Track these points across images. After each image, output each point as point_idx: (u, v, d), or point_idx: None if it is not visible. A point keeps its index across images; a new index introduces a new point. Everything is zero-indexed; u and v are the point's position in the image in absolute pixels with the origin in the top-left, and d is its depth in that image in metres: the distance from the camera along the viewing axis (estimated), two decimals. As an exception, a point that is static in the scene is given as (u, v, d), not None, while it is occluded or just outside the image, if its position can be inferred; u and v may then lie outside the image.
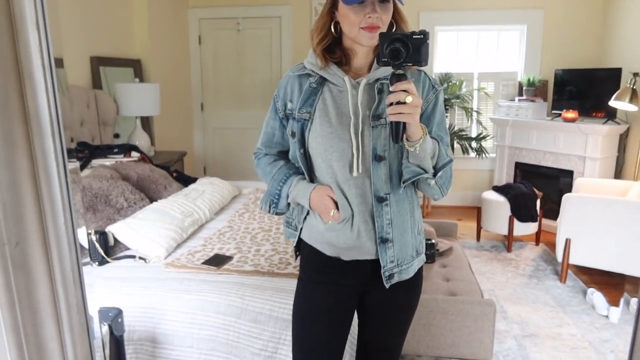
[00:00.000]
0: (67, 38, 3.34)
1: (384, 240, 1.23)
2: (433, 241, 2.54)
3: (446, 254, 2.65)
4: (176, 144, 4.77)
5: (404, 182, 1.20)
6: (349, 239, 1.24)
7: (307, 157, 1.28)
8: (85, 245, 2.01)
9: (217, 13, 5.12)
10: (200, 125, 5.39)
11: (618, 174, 4.27)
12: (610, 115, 4.08)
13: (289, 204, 1.33)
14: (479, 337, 1.95)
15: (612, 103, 3.77)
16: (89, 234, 2.00)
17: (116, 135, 3.90)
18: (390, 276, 1.26)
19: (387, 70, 1.17)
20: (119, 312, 1.44)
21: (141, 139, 3.85)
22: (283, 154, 1.39)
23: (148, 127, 4.28)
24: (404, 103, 1.05)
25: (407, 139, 1.12)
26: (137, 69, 4.27)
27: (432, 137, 1.19)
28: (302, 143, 1.26)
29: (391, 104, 1.06)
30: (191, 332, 1.69)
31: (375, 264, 1.26)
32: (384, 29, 1.17)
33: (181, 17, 5.04)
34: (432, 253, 2.52)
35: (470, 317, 1.94)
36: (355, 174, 1.21)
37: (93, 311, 1.40)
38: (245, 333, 1.66)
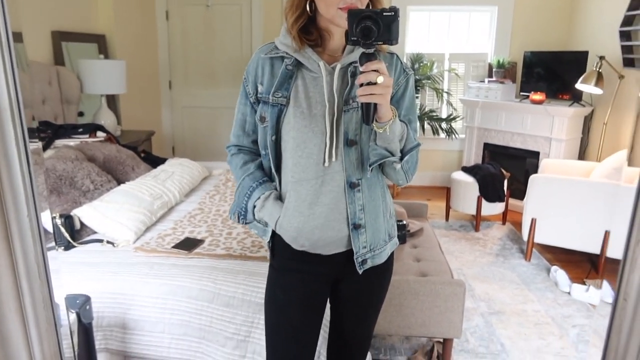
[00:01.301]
0: (25, 11, 3.17)
1: (356, 227, 1.21)
2: (404, 222, 2.57)
3: (417, 234, 2.69)
4: (144, 123, 4.65)
5: (370, 165, 1.17)
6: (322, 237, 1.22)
7: (278, 145, 1.23)
8: (50, 229, 1.95)
9: (185, -13, 4.96)
10: (168, 103, 5.26)
11: (582, 155, 4.39)
12: (576, 97, 4.17)
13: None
14: (448, 317, 1.99)
15: (579, 86, 3.86)
16: (53, 218, 1.94)
17: (80, 114, 3.77)
18: (363, 262, 1.24)
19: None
20: (87, 299, 1.41)
21: (107, 118, 3.73)
22: (256, 145, 1.31)
23: (114, 105, 4.14)
24: (375, 83, 1.01)
25: (376, 120, 1.10)
26: (101, 44, 4.11)
27: (401, 121, 1.17)
28: (276, 130, 1.21)
29: (361, 84, 1.03)
30: (162, 317, 1.67)
31: (348, 252, 1.25)
32: None
33: (147, -9, 4.85)
34: (403, 234, 2.55)
35: (440, 297, 1.97)
36: (327, 163, 1.17)
37: (60, 298, 1.36)
38: (217, 317, 1.65)
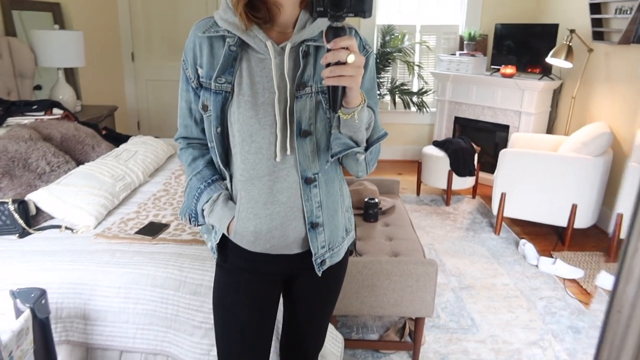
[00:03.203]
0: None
1: (314, 225, 1.12)
2: (376, 200, 2.53)
3: (389, 212, 2.66)
4: (106, 98, 4.45)
5: (332, 156, 1.05)
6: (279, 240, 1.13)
7: (224, 137, 1.10)
8: None
9: (145, -48, 4.69)
10: (131, 76, 5.04)
11: (550, 128, 4.44)
12: (546, 71, 4.18)
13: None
14: (421, 296, 1.99)
15: (549, 60, 3.85)
16: (5, 204, 1.81)
17: (37, 87, 3.56)
18: (322, 262, 1.16)
19: (314, 30, 1.03)
20: (42, 293, 1.32)
21: (65, 93, 3.54)
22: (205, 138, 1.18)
23: (73, 79, 3.94)
24: (345, 63, 0.88)
25: (342, 106, 0.97)
26: (56, 13, 3.87)
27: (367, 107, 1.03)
28: (221, 120, 1.07)
29: (328, 64, 0.89)
30: (126, 307, 1.59)
31: (303, 252, 1.16)
32: None
33: (105, -44, 4.57)
34: (375, 212, 2.52)
35: (413, 277, 1.96)
36: (279, 158, 1.05)
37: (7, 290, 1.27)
38: (184, 306, 1.58)
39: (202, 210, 1.14)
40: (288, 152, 1.06)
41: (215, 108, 1.06)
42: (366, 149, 1.06)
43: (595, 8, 3.60)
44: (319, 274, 1.17)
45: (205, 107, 1.08)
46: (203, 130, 1.16)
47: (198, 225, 1.20)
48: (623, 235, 3.14)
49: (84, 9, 4.16)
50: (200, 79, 1.08)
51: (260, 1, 1.03)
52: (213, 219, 1.13)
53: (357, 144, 1.04)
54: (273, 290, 1.24)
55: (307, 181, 1.09)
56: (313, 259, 1.14)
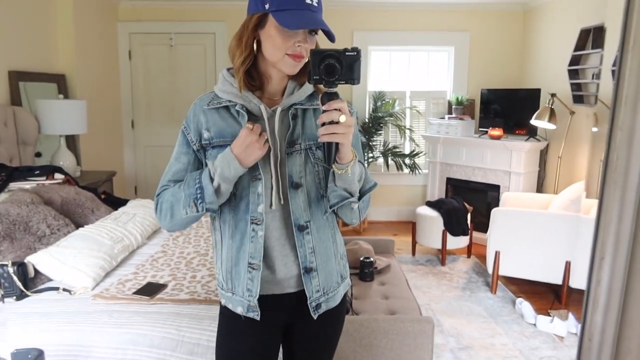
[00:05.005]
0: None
1: (308, 270, 1.19)
2: (372, 259, 2.56)
3: (384, 271, 2.68)
4: (105, 163, 4.55)
5: (331, 207, 1.17)
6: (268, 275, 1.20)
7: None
8: None
9: (148, 28, 4.97)
10: (130, 143, 5.18)
11: (540, 187, 4.54)
12: (532, 132, 4.34)
13: (217, 193, 1.12)
14: (418, 355, 1.97)
15: (533, 122, 4.02)
16: (4, 266, 1.84)
17: (38, 154, 3.65)
18: (318, 306, 1.22)
19: (302, 96, 1.18)
20: (39, 354, 1.32)
21: (66, 159, 3.62)
22: None
23: (74, 145, 4.04)
24: (337, 123, 1.02)
25: (336, 162, 1.09)
26: (61, 84, 4.03)
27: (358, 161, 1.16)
28: None
29: (323, 123, 1.03)
30: (122, 368, 1.58)
31: (299, 295, 1.22)
32: (304, 61, 1.14)
33: (110, 31, 4.84)
34: (370, 271, 2.54)
35: (409, 335, 1.96)
36: (274, 206, 1.16)
37: (5, 353, 1.27)
38: (181, 367, 1.58)
39: (211, 181, 1.11)
40: (282, 202, 1.16)
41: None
42: (359, 199, 1.17)
43: (573, 73, 3.82)
44: (315, 317, 1.22)
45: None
46: None
47: (207, 210, 1.13)
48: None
49: (88, 79, 4.35)
50: (203, 142, 1.18)
51: (255, 71, 1.18)
52: (217, 164, 1.10)
53: (352, 195, 1.15)
54: (273, 338, 1.28)
55: (300, 228, 1.18)
56: (308, 302, 1.20)
